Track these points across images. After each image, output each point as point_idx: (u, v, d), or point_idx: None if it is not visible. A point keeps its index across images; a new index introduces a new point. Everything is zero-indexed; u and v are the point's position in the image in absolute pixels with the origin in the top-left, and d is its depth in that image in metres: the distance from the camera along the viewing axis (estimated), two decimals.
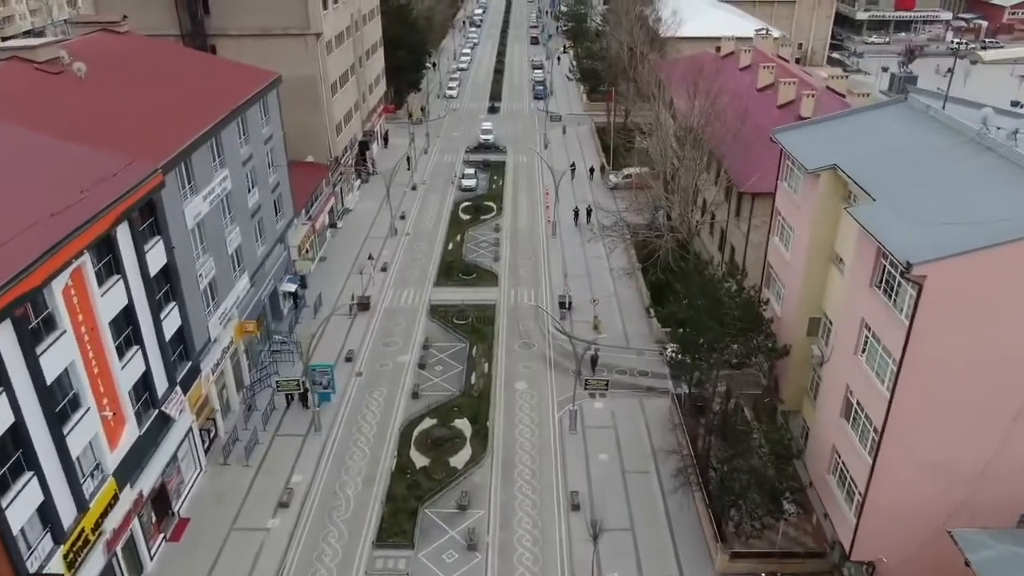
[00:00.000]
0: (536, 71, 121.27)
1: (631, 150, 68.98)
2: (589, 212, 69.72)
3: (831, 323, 32.81)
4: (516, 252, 62.23)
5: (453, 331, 50.70)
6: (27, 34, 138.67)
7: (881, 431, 25.88)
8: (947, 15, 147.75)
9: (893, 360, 25.31)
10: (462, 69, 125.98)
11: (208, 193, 37.15)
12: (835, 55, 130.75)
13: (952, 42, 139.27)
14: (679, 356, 36.80)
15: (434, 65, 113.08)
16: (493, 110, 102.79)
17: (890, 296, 25.84)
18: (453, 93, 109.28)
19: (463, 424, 41.78)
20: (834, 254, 32.64)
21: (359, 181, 75.49)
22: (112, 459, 28.45)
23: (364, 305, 53.27)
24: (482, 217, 68.58)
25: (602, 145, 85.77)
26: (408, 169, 79.94)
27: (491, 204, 71.49)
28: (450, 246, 63.08)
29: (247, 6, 58.28)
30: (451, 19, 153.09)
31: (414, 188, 75.36)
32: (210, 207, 37.43)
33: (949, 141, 29.48)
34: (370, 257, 58.68)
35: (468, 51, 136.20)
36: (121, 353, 29.15)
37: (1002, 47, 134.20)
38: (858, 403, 28.17)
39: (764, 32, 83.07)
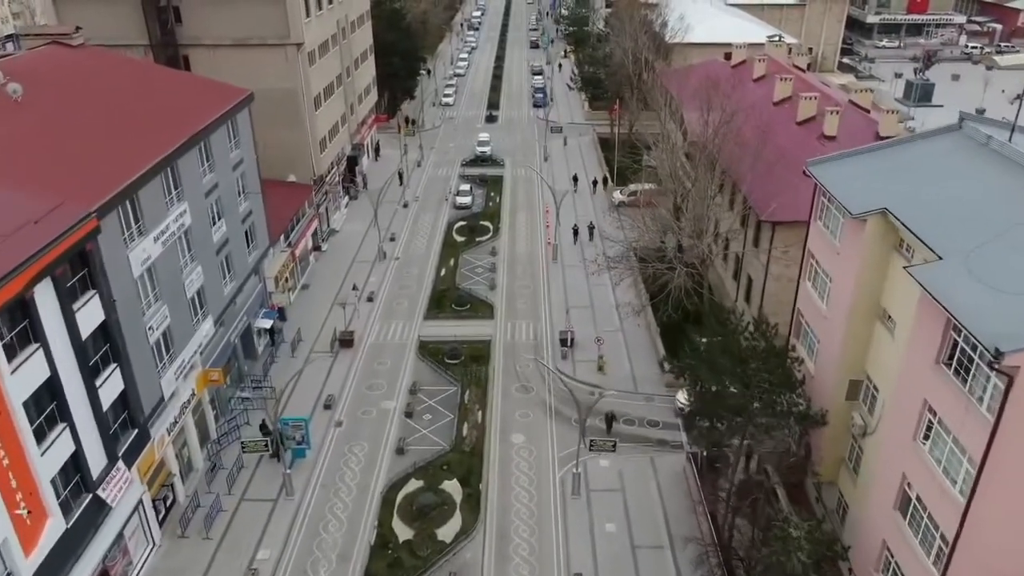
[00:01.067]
0: (536, 77, 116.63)
1: (636, 165, 64.25)
2: (592, 229, 65.37)
3: (877, 390, 28.25)
4: (514, 279, 57.63)
5: (444, 372, 46.14)
6: None
7: (953, 543, 21.30)
8: (960, 18, 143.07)
9: (970, 460, 20.76)
10: (459, 75, 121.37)
11: (161, 232, 32.58)
12: (846, 60, 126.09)
13: (966, 46, 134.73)
14: (699, 420, 32.22)
15: (428, 72, 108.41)
16: (491, 119, 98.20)
17: (964, 379, 21.27)
18: (449, 100, 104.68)
19: (452, 487, 37.17)
20: (881, 310, 28.08)
21: (347, 198, 70.94)
22: (28, 565, 23.86)
23: (347, 341, 48.70)
24: (477, 239, 63.98)
25: (605, 157, 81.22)
26: (400, 184, 75.39)
27: (487, 224, 66.90)
28: (443, 272, 58.48)
29: (222, 14, 53.73)
30: (448, 22, 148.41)
31: (406, 205, 70.77)
32: (163, 248, 32.86)
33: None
34: (354, 288, 54.03)
35: (465, 56, 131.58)
36: (41, 436, 24.59)
37: (1018, 51, 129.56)
38: (918, 499, 23.60)
39: (777, 39, 78.61)
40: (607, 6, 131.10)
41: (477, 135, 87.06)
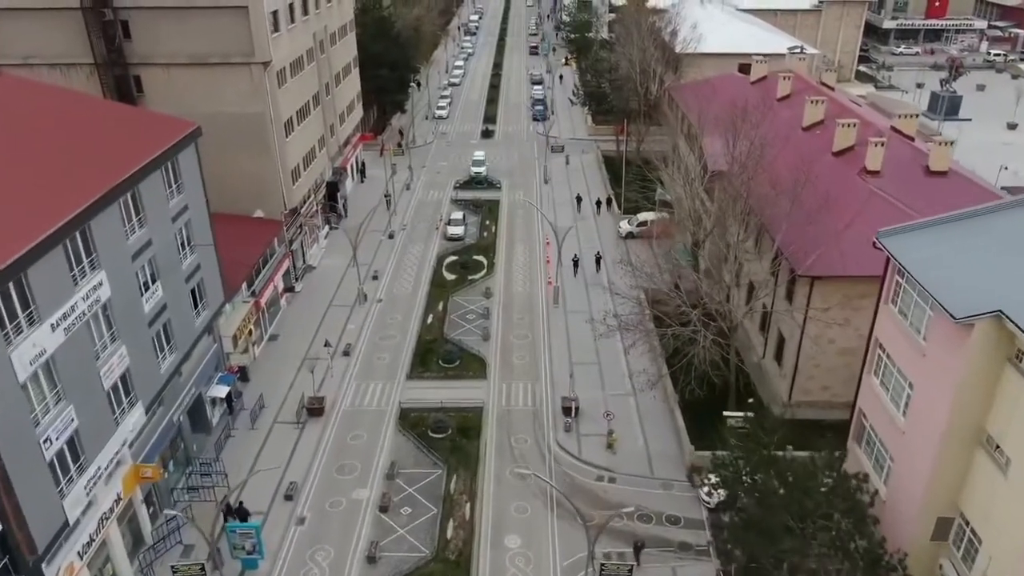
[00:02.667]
0: (535, 87, 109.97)
1: (645, 191, 57.57)
2: (598, 260, 58.87)
3: (977, 537, 21.64)
4: (510, 327, 51.00)
5: (428, 450, 39.52)
6: None
7: None
8: (981, 23, 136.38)
9: None
10: (454, 84, 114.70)
11: (63, 317, 25.96)
12: (863, 68, 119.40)
13: (988, 53, 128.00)
14: (734, 534, 25.59)
15: (419, 84, 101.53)
16: (487, 134, 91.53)
17: None
18: (443, 113, 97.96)
19: None
20: (985, 436, 21.47)
21: (327, 228, 64.34)
22: None
23: (316, 410, 42.11)
24: (470, 277, 57.32)
25: (611, 177, 74.55)
26: (388, 209, 68.77)
27: (481, 259, 60.25)
28: (430, 319, 51.84)
29: (177, 29, 47.09)
30: (444, 27, 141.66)
31: (391, 236, 64.11)
32: (67, 336, 26.23)
33: None
34: (327, 344, 47.28)
35: (461, 64, 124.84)
36: None
37: None
38: None
39: (799, 51, 71.94)
40: (611, 10, 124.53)
41: (472, 153, 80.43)
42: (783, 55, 78.36)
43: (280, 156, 50.73)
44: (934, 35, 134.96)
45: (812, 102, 51.34)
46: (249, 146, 49.65)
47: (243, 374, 44.31)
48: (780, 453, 26.31)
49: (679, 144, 70.45)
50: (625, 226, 63.44)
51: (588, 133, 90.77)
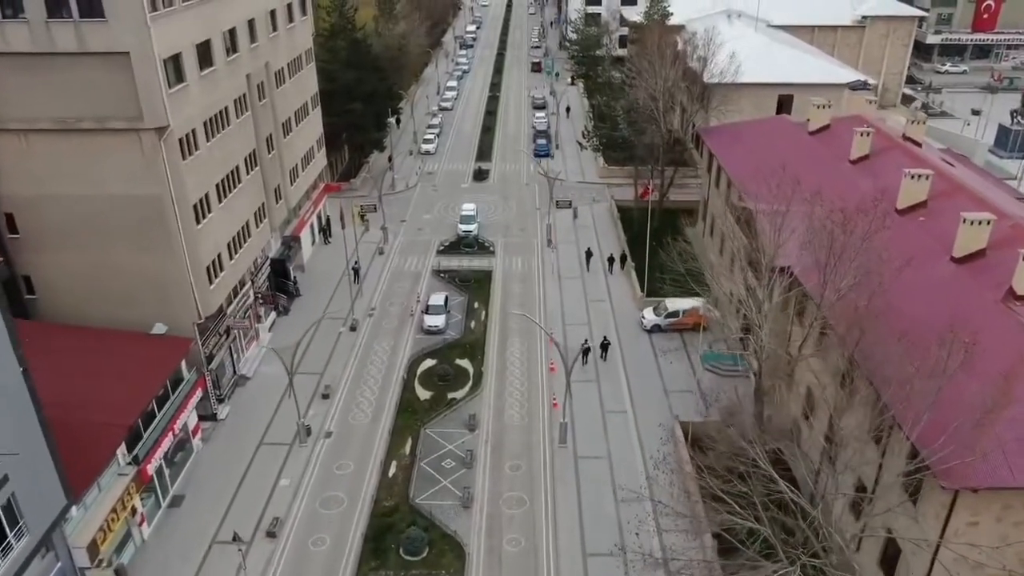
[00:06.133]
0: (537, 113, 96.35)
1: (671, 276, 43.91)
2: (605, 348, 46.09)
3: None
4: (500, 483, 37.44)
5: None
6: None
7: None
8: None
9: None
10: (445, 109, 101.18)
11: None
12: (906, 90, 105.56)
13: None
14: None
15: (398, 121, 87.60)
16: (480, 176, 77.86)
17: None
18: (430, 148, 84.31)
19: None
20: None
21: (273, 315, 50.91)
22: None
23: None
24: (450, 396, 43.80)
25: (629, 237, 61.10)
26: (355, 281, 55.34)
27: (465, 364, 46.72)
28: (392, 469, 38.29)
29: (36, 82, 33.73)
30: (436, 43, 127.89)
31: (353, 328, 50.53)
32: None
33: None
34: (236, 538, 33.39)
35: (454, 84, 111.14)
36: None
37: None
38: None
39: (863, 86, 58.48)
40: (622, 23, 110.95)
41: (461, 205, 66.90)
42: (831, 85, 65.21)
43: (189, 250, 37.24)
44: (981, 51, 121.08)
45: (912, 177, 37.70)
46: (142, 239, 36.34)
47: None
48: None
49: (713, 202, 57.13)
50: (650, 316, 49.79)
51: (599, 175, 77.09)
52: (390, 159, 78.66)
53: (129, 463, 32.57)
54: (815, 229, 29.55)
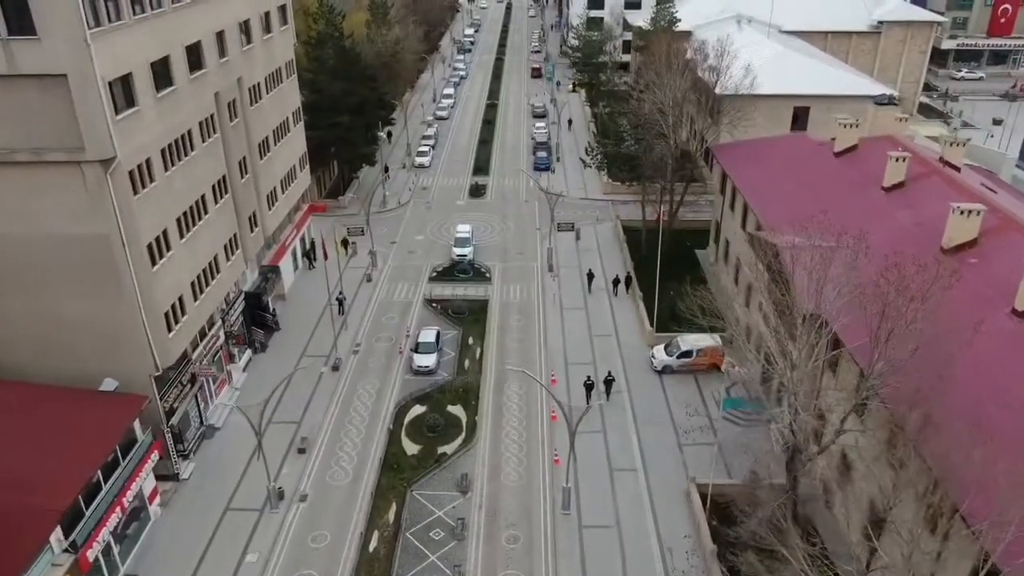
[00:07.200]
0: (537, 122, 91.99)
1: (688, 315, 39.35)
2: (610, 384, 41.99)
3: None
4: (495, 560, 33.06)
5: None
6: None
7: None
8: None
9: None
10: (441, 118, 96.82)
11: None
12: (923, 98, 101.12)
13: None
14: None
15: (389, 135, 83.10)
16: (477, 192, 73.55)
17: None
18: (424, 161, 79.97)
19: None
20: None
21: (249, 353, 46.57)
22: None
23: None
24: (440, 450, 39.41)
25: (636, 262, 56.80)
26: (340, 313, 50.98)
27: (457, 412, 42.35)
28: (373, 542, 33.90)
29: None
30: (432, 49, 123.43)
31: (336, 368, 46.14)
32: None
33: None
34: None
35: (451, 91, 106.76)
36: None
37: None
38: None
39: (888, 101, 54.22)
40: (625, 28, 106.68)
41: (455, 227, 62.54)
42: (852, 97, 60.78)
43: (143, 295, 32.85)
44: (998, 56, 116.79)
45: (962, 212, 33.31)
46: (88, 284, 31.98)
47: None
48: None
49: (726, 224, 52.76)
50: (661, 356, 45.35)
51: (603, 192, 72.72)
52: (386, 168, 74.42)
53: (66, 550, 28.20)
54: (862, 283, 25.16)
